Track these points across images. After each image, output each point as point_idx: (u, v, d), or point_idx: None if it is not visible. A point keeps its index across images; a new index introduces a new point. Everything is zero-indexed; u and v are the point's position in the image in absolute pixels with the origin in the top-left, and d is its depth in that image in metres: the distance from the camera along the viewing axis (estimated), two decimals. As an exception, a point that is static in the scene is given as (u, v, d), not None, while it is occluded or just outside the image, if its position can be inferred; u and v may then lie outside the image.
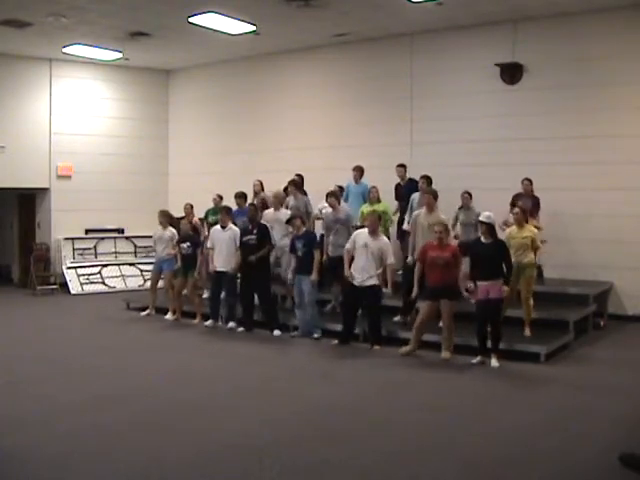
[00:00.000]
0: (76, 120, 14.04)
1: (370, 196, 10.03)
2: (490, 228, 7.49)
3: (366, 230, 8.28)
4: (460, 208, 9.78)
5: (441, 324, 7.82)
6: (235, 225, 9.70)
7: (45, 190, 13.82)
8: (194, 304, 10.24)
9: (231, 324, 9.56)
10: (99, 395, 6.26)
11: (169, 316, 10.39)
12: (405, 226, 9.65)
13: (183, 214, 11.12)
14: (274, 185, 10.86)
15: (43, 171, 13.66)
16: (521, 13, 10.31)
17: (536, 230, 8.48)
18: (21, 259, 14.43)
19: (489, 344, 7.43)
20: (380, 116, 12.07)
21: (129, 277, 13.86)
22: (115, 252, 14.21)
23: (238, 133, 13.94)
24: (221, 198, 11.15)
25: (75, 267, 13.64)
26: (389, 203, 10.42)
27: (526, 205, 9.11)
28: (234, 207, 10.32)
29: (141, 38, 11.87)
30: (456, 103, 11.22)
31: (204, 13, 10.25)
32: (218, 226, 9.70)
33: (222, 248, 9.48)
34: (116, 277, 13.85)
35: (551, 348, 7.76)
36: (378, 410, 5.93)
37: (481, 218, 7.60)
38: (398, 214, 10.54)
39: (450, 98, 11.28)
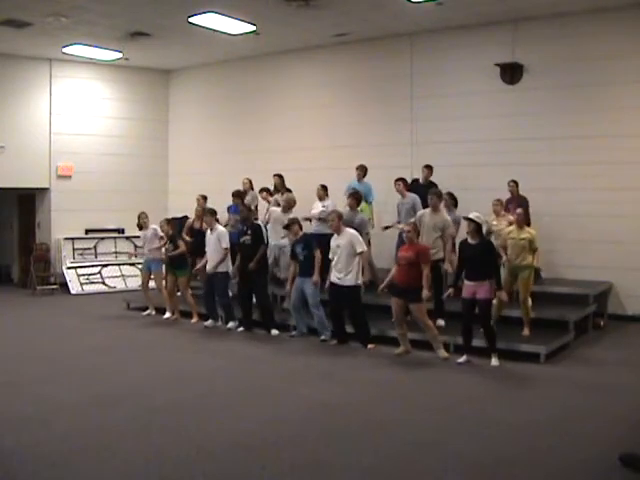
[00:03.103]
0: (76, 120, 14.04)
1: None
2: (478, 227, 7.47)
3: None
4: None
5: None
6: (221, 225, 9.92)
7: (45, 190, 13.82)
8: (189, 303, 10.27)
9: (231, 324, 9.56)
10: (99, 395, 6.26)
11: (167, 316, 10.41)
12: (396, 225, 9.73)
13: (184, 214, 11.09)
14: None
15: (43, 171, 13.66)
16: (521, 13, 10.31)
17: (534, 232, 8.40)
18: (21, 259, 14.43)
19: (483, 343, 7.46)
20: (380, 116, 12.07)
21: (129, 277, 13.86)
22: (115, 252, 14.22)
23: (238, 133, 13.94)
24: (205, 199, 11.23)
25: (75, 267, 13.65)
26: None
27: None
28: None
29: (141, 38, 11.86)
30: (456, 103, 11.21)
31: (204, 13, 10.25)
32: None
33: (211, 250, 9.56)
34: (116, 277, 13.87)
35: (551, 348, 7.76)
36: (378, 410, 5.92)
37: (470, 216, 7.51)
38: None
39: (450, 98, 11.27)
